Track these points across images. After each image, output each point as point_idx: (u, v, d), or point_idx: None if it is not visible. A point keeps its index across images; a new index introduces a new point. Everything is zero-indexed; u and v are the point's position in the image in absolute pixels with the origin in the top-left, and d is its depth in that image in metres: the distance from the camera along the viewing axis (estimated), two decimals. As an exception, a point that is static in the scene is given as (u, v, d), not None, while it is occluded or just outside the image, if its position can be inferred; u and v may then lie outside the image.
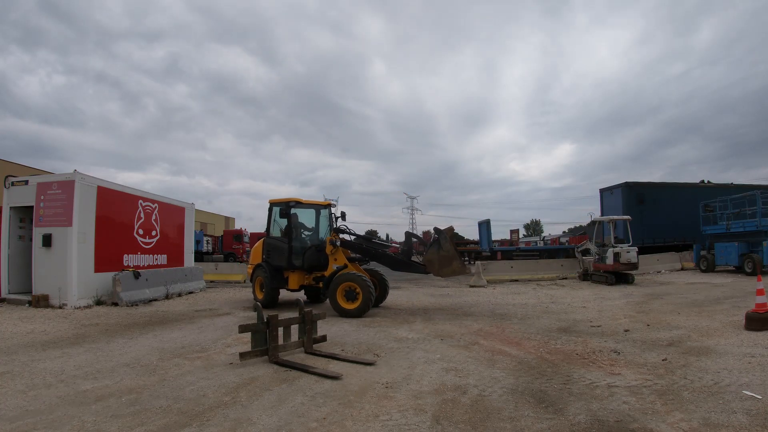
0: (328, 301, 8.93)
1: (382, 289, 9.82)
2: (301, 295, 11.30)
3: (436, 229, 8.85)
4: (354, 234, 9.90)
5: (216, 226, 54.13)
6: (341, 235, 9.59)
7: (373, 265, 10.28)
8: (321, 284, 9.56)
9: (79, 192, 9.88)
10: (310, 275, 9.94)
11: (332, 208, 10.92)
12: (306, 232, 10.49)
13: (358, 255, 9.70)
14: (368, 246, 9.78)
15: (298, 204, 10.09)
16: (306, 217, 10.58)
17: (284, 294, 10.67)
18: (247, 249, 36.21)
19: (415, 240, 10.67)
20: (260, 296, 10.03)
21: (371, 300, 8.40)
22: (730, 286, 12.17)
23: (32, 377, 4.55)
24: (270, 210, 10.25)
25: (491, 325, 7.33)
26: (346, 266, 9.14)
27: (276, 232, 10.24)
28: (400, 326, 7.40)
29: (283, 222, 10.02)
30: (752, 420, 3.17)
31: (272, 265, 9.87)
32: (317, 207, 10.64)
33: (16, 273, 10.42)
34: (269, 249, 10.10)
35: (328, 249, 9.31)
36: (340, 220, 10.16)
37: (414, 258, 10.37)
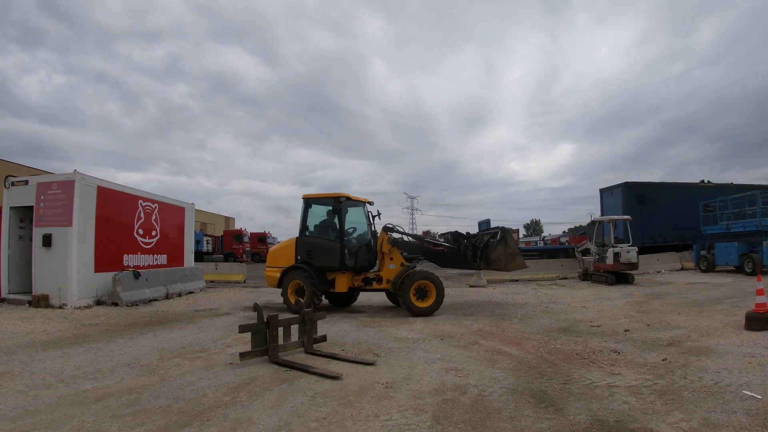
0: (399, 300, 8.77)
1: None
2: (380, 298, 10.52)
3: (502, 228, 9.33)
4: (405, 233, 9.78)
5: (216, 226, 54.13)
6: (393, 234, 9.34)
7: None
8: (374, 284, 9.23)
9: (79, 192, 9.88)
10: (359, 276, 9.36)
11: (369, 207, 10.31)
12: (354, 231, 9.64)
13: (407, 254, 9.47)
14: (422, 244, 9.79)
15: (348, 200, 9.33)
16: (353, 215, 9.79)
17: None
18: (247, 249, 36.31)
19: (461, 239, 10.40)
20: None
21: (443, 297, 8.72)
22: (730, 286, 12.17)
23: (32, 377, 4.55)
24: (307, 205, 9.37)
25: (491, 325, 7.33)
26: (415, 265, 9.16)
27: (314, 231, 9.44)
28: (400, 326, 7.40)
29: (316, 219, 9.44)
30: (752, 420, 3.17)
31: (316, 267, 9.03)
32: (363, 204, 9.93)
33: (16, 273, 10.42)
34: (311, 249, 9.17)
35: (386, 248, 9.02)
36: (376, 219, 9.87)
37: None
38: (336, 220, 9.18)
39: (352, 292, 9.78)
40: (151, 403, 3.74)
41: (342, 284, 9.20)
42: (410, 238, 9.96)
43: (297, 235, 9.46)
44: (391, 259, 9.01)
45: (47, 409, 3.64)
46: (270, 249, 10.35)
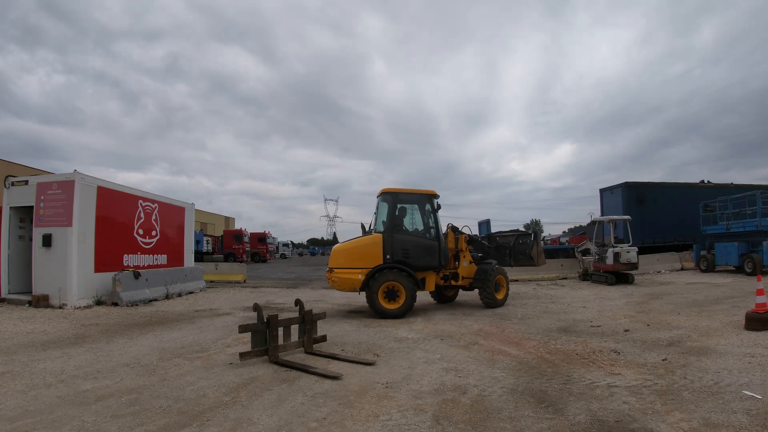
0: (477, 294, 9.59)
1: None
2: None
3: (534, 231, 10.60)
4: (468, 234, 10.09)
5: (216, 226, 54.15)
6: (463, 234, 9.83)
7: None
8: (452, 282, 9.48)
9: (79, 192, 9.88)
10: (439, 274, 9.27)
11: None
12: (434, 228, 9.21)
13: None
14: (479, 243, 10.46)
15: (437, 198, 9.20)
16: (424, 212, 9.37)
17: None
18: (247, 249, 36.32)
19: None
20: (389, 305, 8.26)
21: (509, 290, 9.85)
22: (730, 286, 12.17)
23: (32, 377, 4.55)
24: (396, 201, 8.81)
25: (491, 325, 7.33)
26: (495, 262, 9.82)
27: (399, 228, 8.96)
28: (400, 326, 7.40)
29: (401, 215, 9.10)
30: (752, 420, 3.17)
31: (413, 266, 8.56)
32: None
33: (16, 273, 10.42)
34: (407, 247, 8.61)
35: (463, 246, 9.53)
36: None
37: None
38: (417, 216, 9.16)
39: (443, 289, 10.02)
40: (151, 403, 3.74)
41: (431, 284, 9.10)
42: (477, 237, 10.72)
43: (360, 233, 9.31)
44: (464, 257, 9.57)
45: (47, 409, 3.64)
46: (337, 247, 9.25)
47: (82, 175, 10.14)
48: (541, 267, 17.36)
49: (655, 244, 19.92)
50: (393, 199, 8.80)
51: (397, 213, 8.80)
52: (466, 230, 10.06)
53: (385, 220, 8.72)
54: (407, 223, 9.21)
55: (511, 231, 11.26)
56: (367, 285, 8.34)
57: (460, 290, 10.10)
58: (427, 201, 9.02)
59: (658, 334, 6.23)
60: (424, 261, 8.70)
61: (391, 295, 8.32)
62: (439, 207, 9.11)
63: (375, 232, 8.94)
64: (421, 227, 9.12)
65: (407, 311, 8.35)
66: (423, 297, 11.68)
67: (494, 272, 9.35)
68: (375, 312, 8.33)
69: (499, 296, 9.52)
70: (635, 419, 3.25)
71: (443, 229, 9.43)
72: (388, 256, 8.46)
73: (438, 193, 9.22)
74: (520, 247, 10.29)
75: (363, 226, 9.40)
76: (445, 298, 10.45)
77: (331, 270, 8.73)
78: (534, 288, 13.59)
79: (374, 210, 9.18)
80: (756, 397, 3.62)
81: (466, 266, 9.54)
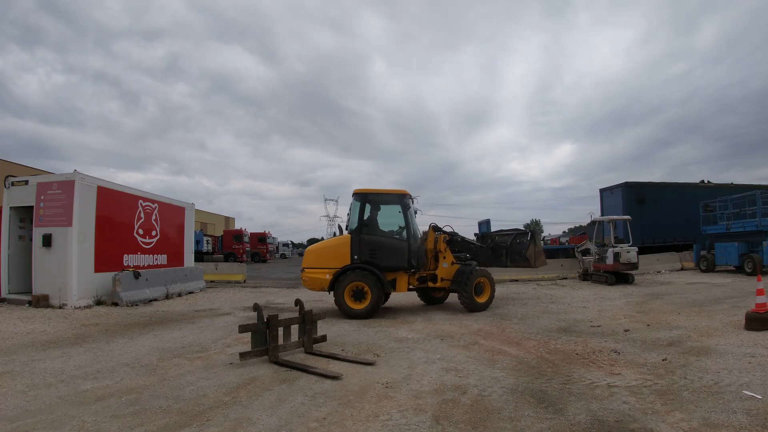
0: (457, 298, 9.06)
1: None
2: (401, 297, 10.33)
3: (531, 230, 10.06)
4: (451, 232, 9.82)
5: (216, 226, 54.14)
6: (443, 234, 9.47)
7: None
8: (429, 284, 9.14)
9: (79, 192, 9.88)
10: (415, 276, 9.07)
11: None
12: (413, 229, 9.16)
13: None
14: (465, 243, 9.98)
15: (409, 197, 9.09)
16: (410, 212, 9.22)
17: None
18: (247, 249, 36.33)
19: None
20: (355, 306, 8.30)
21: (494, 293, 9.26)
22: (730, 286, 12.17)
23: (32, 377, 4.55)
24: (364, 201, 8.79)
25: (491, 325, 7.33)
26: (475, 263, 9.35)
27: (369, 229, 8.87)
28: (400, 326, 7.40)
29: (374, 216, 9.02)
30: (752, 420, 3.17)
31: (380, 267, 8.53)
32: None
33: (16, 273, 10.42)
34: (375, 248, 8.61)
35: (442, 246, 9.09)
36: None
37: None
38: (393, 218, 8.98)
39: (428, 290, 9.69)
40: (151, 403, 3.74)
41: (403, 285, 8.97)
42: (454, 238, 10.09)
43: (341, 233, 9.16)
44: (444, 257, 9.11)
45: (47, 409, 3.64)
46: (310, 248, 9.44)
47: (82, 175, 10.14)
48: (542, 267, 17.49)
49: (655, 244, 19.91)
50: (362, 199, 8.82)
51: (367, 213, 8.80)
52: (448, 229, 9.77)
53: (354, 220, 8.78)
54: (383, 223, 9.15)
55: (510, 230, 10.83)
56: (335, 285, 8.42)
57: (484, 289, 9.21)
58: (397, 201, 8.94)
59: (658, 334, 6.23)
60: (392, 262, 8.66)
61: (359, 296, 8.35)
62: (408, 206, 8.90)
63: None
64: (395, 228, 9.11)
65: (373, 312, 8.32)
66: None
67: (474, 274, 8.86)
68: (341, 312, 8.38)
69: (481, 300, 8.96)
70: (635, 419, 3.25)
71: (420, 229, 9.34)
72: (355, 257, 8.54)
73: (410, 193, 9.11)
74: (516, 247, 9.83)
75: (340, 227, 9.42)
76: (433, 299, 10.12)
77: (303, 269, 8.95)
78: (534, 288, 13.59)
79: (347, 211, 9.24)
80: (756, 397, 3.62)
81: (446, 267, 9.09)
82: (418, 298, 10.42)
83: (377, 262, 8.54)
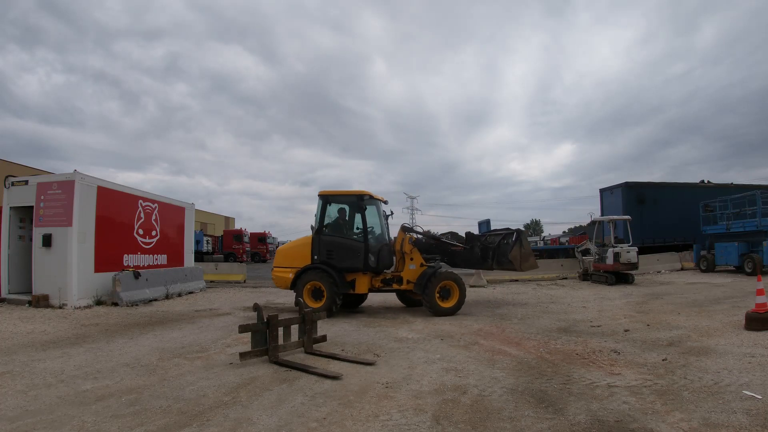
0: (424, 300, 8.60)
1: None
2: (379, 298, 10.20)
3: (517, 230, 9.39)
4: (422, 233, 9.69)
5: (216, 226, 54.12)
6: (412, 234, 9.24)
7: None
8: (394, 285, 8.99)
9: (79, 192, 9.88)
10: (378, 277, 9.05)
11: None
12: (372, 230, 9.21)
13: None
14: (441, 244, 9.69)
15: (371, 198, 9.11)
16: (370, 213, 9.28)
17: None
18: (247, 249, 36.33)
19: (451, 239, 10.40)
20: (314, 304, 8.38)
21: (465, 297, 8.77)
22: (730, 286, 12.18)
23: (32, 377, 4.55)
24: (326, 203, 8.97)
25: (491, 325, 7.33)
26: (440, 266, 9.13)
27: (331, 230, 9.06)
28: (400, 326, 7.40)
29: (334, 217, 9.16)
30: (752, 420, 3.17)
31: (337, 268, 8.66)
32: (380, 203, 9.62)
33: (16, 273, 10.42)
34: (332, 248, 8.78)
35: (407, 248, 8.90)
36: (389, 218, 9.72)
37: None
38: (357, 218, 8.95)
39: (404, 292, 9.49)
40: (151, 403, 3.74)
41: (362, 285, 8.93)
42: (427, 239, 9.85)
43: (308, 234, 9.10)
44: (411, 259, 8.90)
45: (47, 409, 3.64)
46: (279, 248, 9.78)
47: (82, 175, 10.15)
48: (541, 267, 17.41)
49: (655, 244, 19.92)
50: (324, 201, 8.98)
51: (327, 214, 9.01)
52: (419, 229, 9.63)
53: (316, 221, 8.98)
54: (350, 224, 9.27)
55: (502, 230, 10.20)
56: (295, 284, 8.72)
57: (451, 293, 8.76)
58: (356, 202, 8.94)
59: (658, 334, 6.23)
60: (348, 262, 8.73)
61: (317, 295, 8.59)
62: (364, 208, 8.85)
63: None
64: (360, 228, 9.14)
65: (329, 310, 8.36)
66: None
67: (437, 276, 8.55)
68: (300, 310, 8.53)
69: (447, 304, 8.54)
70: (635, 419, 3.25)
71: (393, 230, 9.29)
72: (315, 257, 8.80)
73: (369, 193, 9.04)
74: (503, 249, 9.21)
75: (312, 228, 9.34)
76: (412, 301, 9.81)
77: (273, 268, 9.35)
78: (534, 288, 13.59)
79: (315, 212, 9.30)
80: (756, 397, 3.62)
81: (413, 269, 8.86)
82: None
83: (334, 263, 8.71)
